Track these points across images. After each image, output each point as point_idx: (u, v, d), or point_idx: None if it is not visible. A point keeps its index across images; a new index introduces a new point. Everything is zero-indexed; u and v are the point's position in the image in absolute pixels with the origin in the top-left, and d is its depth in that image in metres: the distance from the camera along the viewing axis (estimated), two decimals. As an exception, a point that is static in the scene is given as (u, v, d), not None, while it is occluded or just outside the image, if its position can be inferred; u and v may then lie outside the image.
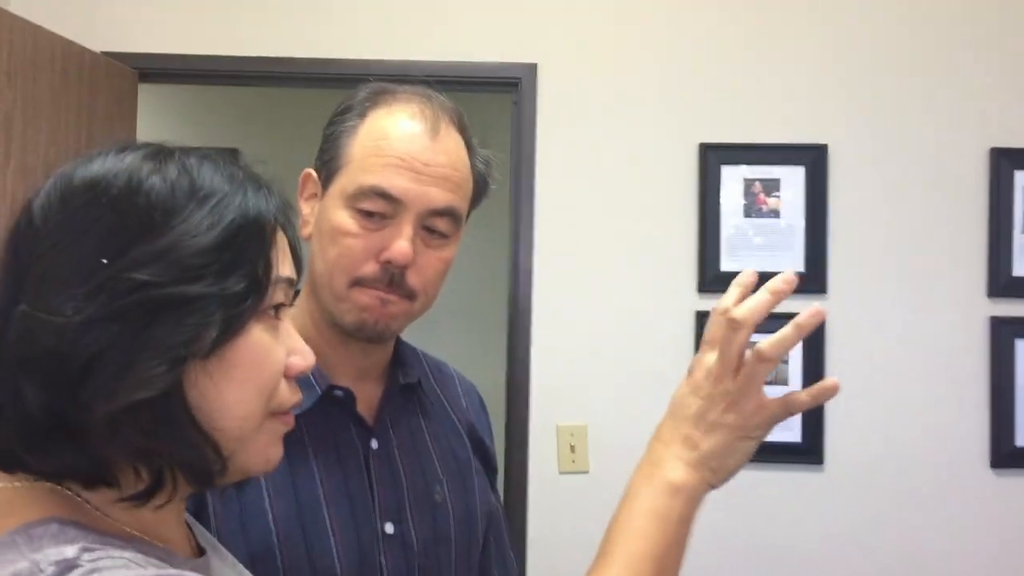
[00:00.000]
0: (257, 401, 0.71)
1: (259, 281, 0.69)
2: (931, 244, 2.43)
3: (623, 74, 2.47)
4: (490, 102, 2.27)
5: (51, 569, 0.59)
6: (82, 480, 0.68)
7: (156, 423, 0.65)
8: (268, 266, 0.71)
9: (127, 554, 0.63)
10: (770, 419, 0.84)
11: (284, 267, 0.73)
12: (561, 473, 2.43)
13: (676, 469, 0.86)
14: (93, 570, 0.58)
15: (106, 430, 0.64)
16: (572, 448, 2.42)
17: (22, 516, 0.66)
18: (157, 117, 3.36)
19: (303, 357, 0.75)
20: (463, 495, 1.15)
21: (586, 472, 2.42)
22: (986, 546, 2.38)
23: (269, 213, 0.71)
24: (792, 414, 0.86)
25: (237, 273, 0.68)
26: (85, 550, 0.61)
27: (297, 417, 0.96)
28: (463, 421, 1.23)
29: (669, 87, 2.46)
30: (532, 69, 2.47)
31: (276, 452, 0.75)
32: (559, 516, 2.42)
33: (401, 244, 1.01)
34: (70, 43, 2.19)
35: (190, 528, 0.82)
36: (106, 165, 0.68)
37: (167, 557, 0.69)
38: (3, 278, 0.68)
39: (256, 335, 0.70)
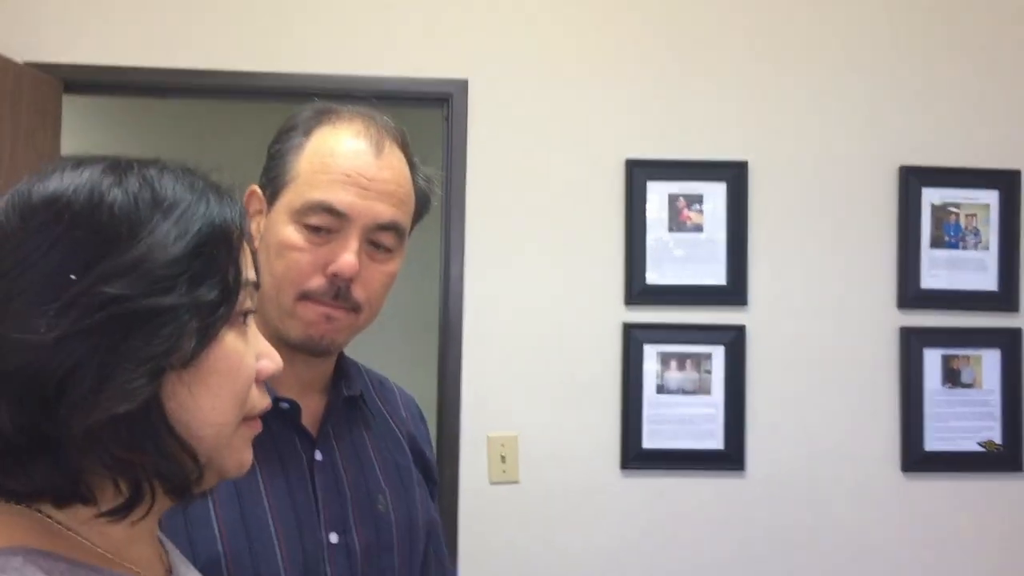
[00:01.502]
0: (233, 407, 0.71)
1: (230, 288, 0.70)
2: (845, 257, 2.53)
3: (552, 91, 2.52)
4: (421, 117, 2.30)
5: None
6: (58, 498, 0.67)
7: (135, 435, 0.65)
8: (238, 272, 0.71)
9: None
10: None
11: (250, 272, 0.74)
12: (492, 483, 2.46)
13: None
14: None
15: (85, 443, 0.64)
16: (503, 458, 2.45)
17: None
18: (82, 129, 3.31)
19: (272, 360, 0.75)
20: (405, 505, 1.18)
21: (516, 482, 2.46)
22: (897, 544, 2.49)
23: (234, 220, 0.72)
24: None
25: (209, 282, 0.68)
26: None
27: None
28: (404, 433, 1.26)
29: (597, 104, 2.53)
30: (463, 85, 2.50)
31: (248, 456, 0.76)
32: (490, 526, 2.44)
33: (347, 257, 1.04)
34: (-8, 53, 2.15)
35: (163, 546, 0.81)
36: (64, 181, 0.67)
37: None
38: None
39: (229, 342, 0.70)
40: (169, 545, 0.85)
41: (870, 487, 2.50)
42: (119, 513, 0.68)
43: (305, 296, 1.05)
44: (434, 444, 2.44)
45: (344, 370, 1.18)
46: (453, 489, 2.44)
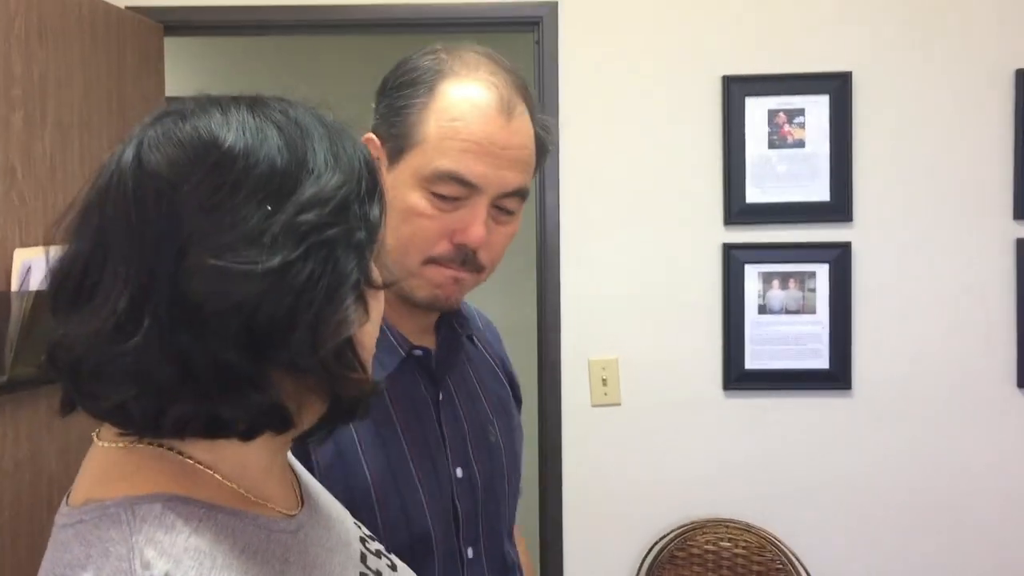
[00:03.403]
0: (377, 333, 0.75)
1: (383, 211, 0.74)
2: (956, 168, 2.43)
3: (645, 9, 2.46)
4: (511, 41, 2.28)
5: None
6: (271, 425, 0.69)
7: (345, 358, 0.69)
8: (383, 201, 0.74)
9: (216, 572, 0.65)
10: None
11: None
12: (594, 406, 2.48)
13: None
14: None
15: (316, 369, 0.67)
16: (604, 381, 2.47)
17: (129, 484, 0.67)
18: (184, 70, 3.38)
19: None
20: (509, 432, 1.22)
21: (618, 404, 2.48)
22: (1012, 464, 2.43)
23: (370, 155, 0.75)
24: None
25: (373, 204, 0.72)
26: (175, 568, 0.63)
27: (383, 379, 0.99)
28: (495, 359, 1.29)
29: (691, 21, 2.46)
30: (553, 7, 2.46)
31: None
32: (593, 448, 2.48)
33: (476, 229, 1.02)
34: (95, 0, 2.21)
35: (296, 477, 0.84)
36: (216, 120, 0.68)
37: (266, 531, 0.72)
38: (141, 236, 0.65)
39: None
40: (303, 475, 0.88)
41: (983, 405, 2.43)
42: (314, 434, 0.74)
43: (431, 260, 1.04)
44: (535, 369, 2.49)
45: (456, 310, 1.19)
46: (556, 412, 2.48)
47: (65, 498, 0.71)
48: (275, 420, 0.68)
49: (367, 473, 1.02)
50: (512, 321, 1.43)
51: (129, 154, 0.67)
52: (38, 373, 1.81)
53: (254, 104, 0.71)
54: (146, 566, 0.62)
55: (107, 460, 0.70)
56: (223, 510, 0.69)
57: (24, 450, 1.91)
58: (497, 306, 1.42)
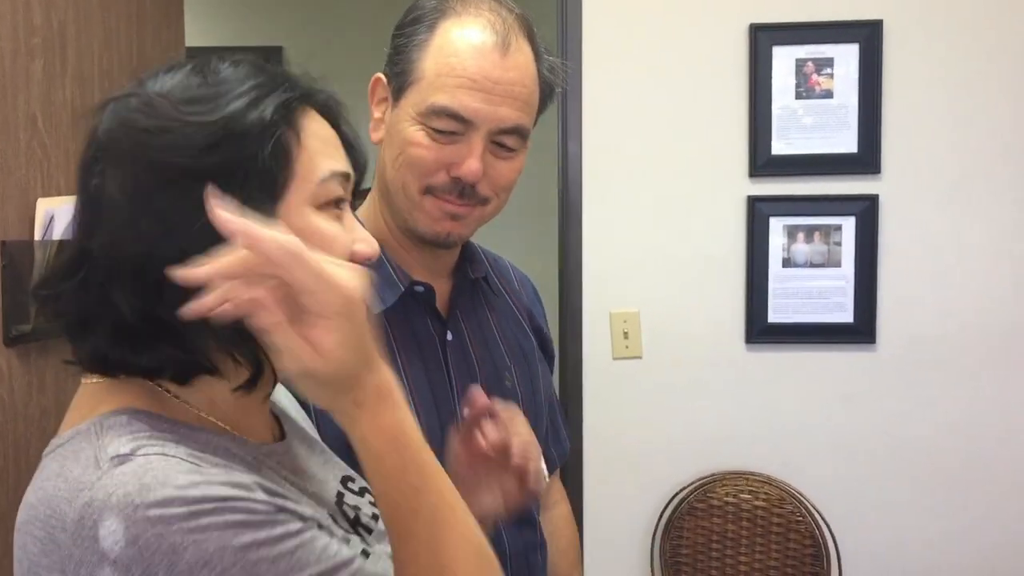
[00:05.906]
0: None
1: (272, 169, 0.73)
2: (989, 123, 2.37)
3: (670, -45, 2.41)
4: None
5: (107, 465, 0.66)
6: (182, 373, 0.73)
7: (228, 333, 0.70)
8: (287, 160, 0.73)
9: (181, 450, 0.68)
10: None
11: (334, 162, 0.76)
12: (615, 359, 2.48)
13: None
14: (145, 464, 0.65)
15: (197, 323, 0.68)
16: (625, 334, 2.47)
17: (104, 408, 0.73)
18: (203, 20, 3.37)
19: (368, 244, 0.79)
20: (529, 381, 1.22)
21: (639, 357, 2.47)
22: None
23: (279, 109, 0.73)
24: None
25: (250, 163, 0.72)
26: (140, 446, 0.67)
27: (382, 313, 1.02)
28: (522, 311, 1.29)
29: (718, -34, 2.40)
30: (577, -47, 2.42)
31: None
32: (614, 401, 2.48)
33: (471, 163, 1.04)
34: (114, -52, 2.19)
35: (276, 418, 0.87)
36: (150, 75, 0.75)
37: (233, 444, 0.74)
38: (82, 205, 0.75)
39: (315, 222, 0.74)
40: (288, 421, 0.90)
41: (1009, 360, 2.40)
42: (247, 387, 0.74)
43: (429, 191, 1.07)
44: (556, 321, 2.49)
45: (469, 253, 1.21)
46: (577, 365, 2.48)
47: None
48: (181, 367, 0.73)
49: None
50: (533, 273, 1.43)
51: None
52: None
53: (198, 68, 0.75)
54: (110, 454, 0.67)
55: (88, 394, 0.76)
56: (187, 425, 0.73)
57: (49, 398, 1.93)
58: (518, 258, 1.41)
